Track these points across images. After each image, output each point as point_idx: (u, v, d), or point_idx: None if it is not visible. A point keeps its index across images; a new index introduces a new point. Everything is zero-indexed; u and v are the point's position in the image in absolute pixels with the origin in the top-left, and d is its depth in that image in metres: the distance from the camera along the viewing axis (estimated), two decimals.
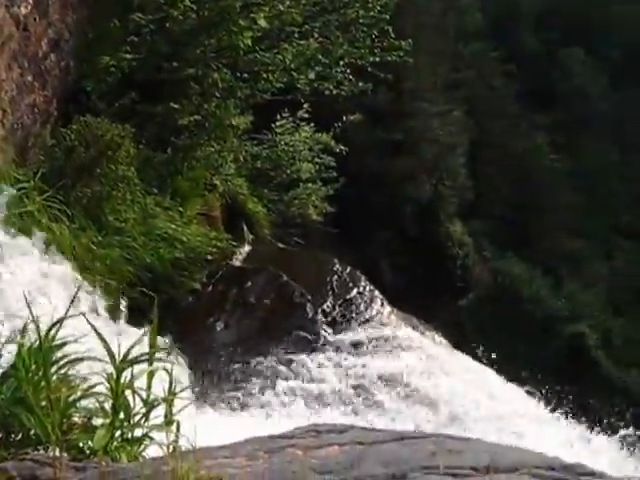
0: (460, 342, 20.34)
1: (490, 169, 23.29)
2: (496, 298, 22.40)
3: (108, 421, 2.59)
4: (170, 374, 2.68)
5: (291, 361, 8.95)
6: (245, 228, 11.70)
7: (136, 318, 8.05)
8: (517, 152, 24.33)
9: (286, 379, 8.67)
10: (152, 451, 2.58)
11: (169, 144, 10.25)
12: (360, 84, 12.14)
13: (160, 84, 10.15)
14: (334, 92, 11.87)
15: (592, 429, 10.68)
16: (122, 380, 2.64)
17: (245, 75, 11.05)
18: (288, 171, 12.71)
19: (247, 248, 11.25)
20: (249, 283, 10.07)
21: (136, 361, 2.68)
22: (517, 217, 23.70)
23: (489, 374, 10.24)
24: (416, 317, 17.83)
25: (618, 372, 22.50)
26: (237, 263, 10.65)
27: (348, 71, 11.93)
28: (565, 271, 24.81)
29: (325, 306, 9.74)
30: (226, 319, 9.51)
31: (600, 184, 27.56)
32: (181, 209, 10.02)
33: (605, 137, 29.81)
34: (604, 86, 30.67)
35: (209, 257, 9.80)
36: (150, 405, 2.57)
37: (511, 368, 21.14)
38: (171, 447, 2.42)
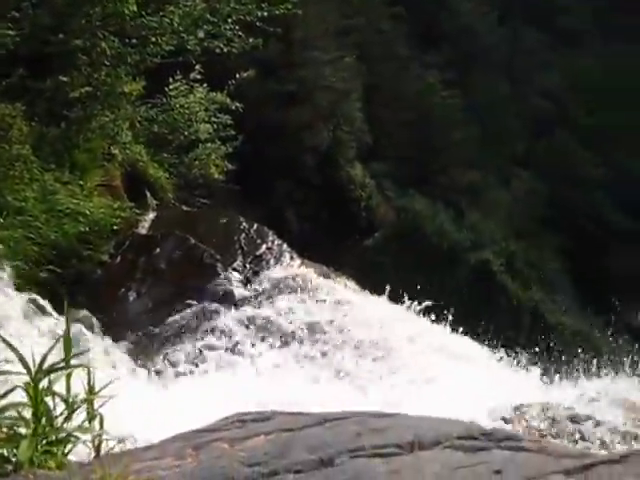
0: (371, 282, 21.10)
1: (385, 111, 23.67)
2: (401, 235, 22.98)
3: (31, 431, 2.62)
4: (88, 373, 2.85)
5: (208, 321, 9.14)
6: (148, 194, 11.69)
7: (48, 297, 8.11)
8: (410, 93, 24.76)
9: (202, 339, 8.89)
10: (82, 450, 2.74)
11: (62, 118, 10.17)
12: (250, 40, 12.22)
13: (48, 58, 10.03)
14: (225, 50, 11.92)
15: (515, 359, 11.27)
16: (40, 387, 2.67)
17: (133, 41, 10.97)
18: (186, 133, 12.70)
19: (152, 215, 11.23)
20: (157, 250, 10.14)
21: (53, 369, 2.76)
22: (415, 155, 24.24)
23: (409, 315, 10.60)
24: (326, 263, 18.26)
25: (523, 293, 23.55)
26: (143, 231, 10.65)
27: (237, 28, 11.98)
28: (465, 203, 25.57)
29: (235, 264, 9.92)
30: (137, 288, 9.59)
31: (493, 117, 28.42)
32: (81, 182, 9.95)
33: (495, 71, 30.67)
34: (492, 21, 31.42)
35: (114, 228, 9.86)
36: (71, 407, 2.71)
37: (422, 300, 22.10)
38: (97, 444, 2.60)
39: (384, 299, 10.71)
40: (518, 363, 10.46)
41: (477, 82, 29.25)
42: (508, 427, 8.06)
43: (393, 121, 23.83)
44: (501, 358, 11.02)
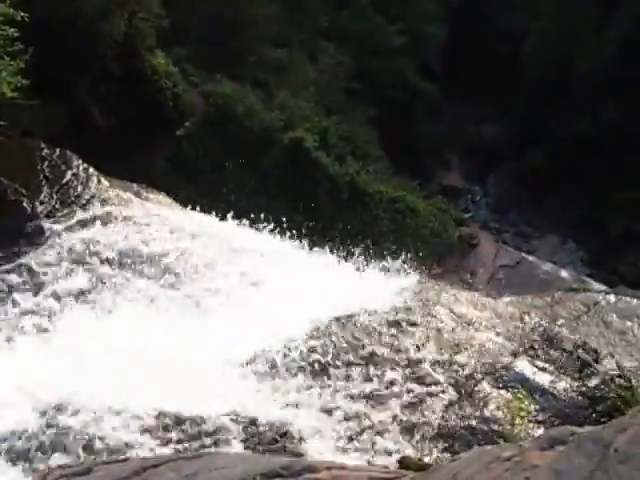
0: (185, 174, 20.64)
1: None
2: (212, 121, 22.46)
3: None
4: None
5: (20, 265, 8.59)
6: None
7: None
8: None
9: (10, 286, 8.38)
10: None
11: None
12: None
13: None
14: None
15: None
16: None
17: None
18: None
19: None
20: None
21: None
22: (218, 37, 23.30)
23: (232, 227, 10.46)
24: (137, 160, 17.60)
25: (339, 167, 23.91)
26: None
27: None
28: (274, 82, 25.25)
29: (42, 197, 9.30)
30: None
31: None
32: None
33: None
34: None
35: None
36: None
37: (239, 185, 21.91)
38: None
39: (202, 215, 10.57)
40: (337, 254, 10.71)
41: None
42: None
43: (192, 3, 22.78)
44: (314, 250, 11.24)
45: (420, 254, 20.22)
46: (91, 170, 10.04)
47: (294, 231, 11.91)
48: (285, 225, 12.08)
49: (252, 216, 12.39)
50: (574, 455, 2.82)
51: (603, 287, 23.77)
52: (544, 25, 33.20)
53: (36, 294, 8.39)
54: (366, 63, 29.14)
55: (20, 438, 6.58)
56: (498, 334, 8.52)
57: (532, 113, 32.54)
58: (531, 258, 25.24)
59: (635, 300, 10.16)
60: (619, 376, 8.04)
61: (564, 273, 24.54)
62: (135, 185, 10.75)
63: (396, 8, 32.03)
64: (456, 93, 32.92)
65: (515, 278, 23.36)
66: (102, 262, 8.89)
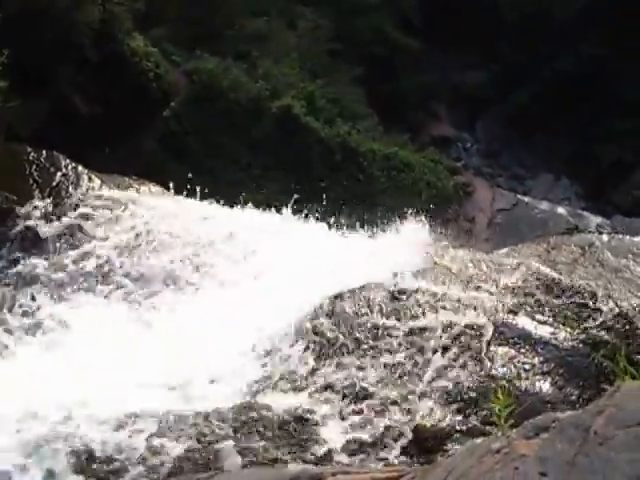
0: (176, 154, 20.82)
1: None
2: (197, 98, 22.56)
3: None
4: None
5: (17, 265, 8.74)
6: None
7: None
8: None
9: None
10: None
11: None
12: None
13: None
14: None
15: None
16: None
17: None
18: None
19: None
20: None
21: None
22: (195, 14, 23.38)
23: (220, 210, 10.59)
24: (125, 147, 17.74)
25: (329, 130, 24.01)
26: None
27: None
28: (256, 52, 25.27)
29: (35, 202, 9.40)
30: None
31: None
32: None
33: None
34: None
35: None
36: None
37: (231, 159, 22.10)
38: None
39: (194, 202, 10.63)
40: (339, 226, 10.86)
41: None
42: None
43: None
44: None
45: (419, 208, 20.56)
46: (80, 169, 10.15)
47: (292, 201, 12.05)
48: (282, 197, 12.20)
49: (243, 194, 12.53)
50: (557, 441, 2.90)
51: (600, 219, 24.10)
52: None
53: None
54: (345, 23, 29.11)
55: None
56: (498, 291, 8.66)
57: (515, 56, 32.56)
58: (527, 199, 25.48)
59: (627, 237, 10.32)
60: (618, 315, 8.21)
61: (561, 210, 24.80)
62: (126, 179, 10.85)
63: None
64: (438, 44, 32.89)
65: (513, 220, 23.63)
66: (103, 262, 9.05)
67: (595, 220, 24.55)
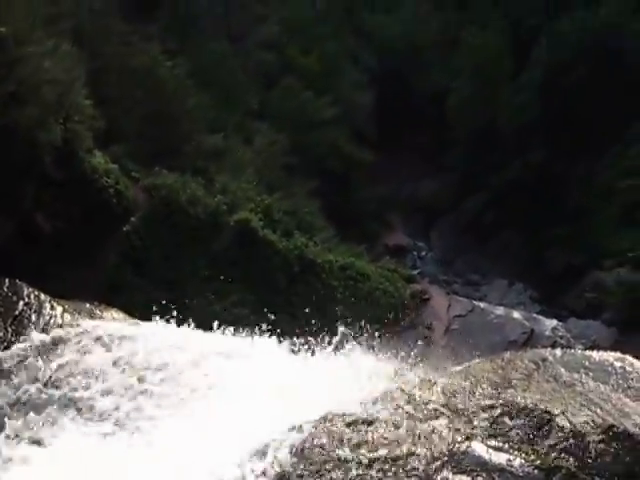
0: (137, 270, 20.93)
1: (114, 92, 23.14)
2: (157, 213, 22.76)
3: None
4: None
5: None
6: None
7: None
8: (135, 68, 24.38)
9: None
10: None
11: None
12: None
13: None
14: None
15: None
16: None
17: None
18: None
19: None
20: None
21: None
22: (154, 131, 24.03)
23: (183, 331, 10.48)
24: (87, 263, 17.77)
25: (287, 242, 24.38)
26: None
27: None
28: (213, 167, 25.85)
29: None
30: None
31: (221, 77, 28.82)
32: None
33: (214, 32, 31.00)
34: None
35: None
36: None
37: (191, 272, 22.25)
38: None
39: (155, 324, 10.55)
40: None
41: (198, 46, 29.47)
42: None
43: (125, 100, 23.43)
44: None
45: (376, 316, 20.86)
46: (42, 296, 10.15)
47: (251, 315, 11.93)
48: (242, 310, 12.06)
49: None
50: None
51: (555, 322, 24.60)
52: (461, 82, 34.87)
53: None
54: (301, 138, 30.08)
55: None
56: (453, 416, 8.57)
57: (465, 165, 33.89)
58: (482, 304, 25.95)
59: (579, 351, 10.51)
60: (572, 432, 8.23)
61: (516, 314, 25.25)
62: (88, 305, 10.84)
63: (323, 81, 33.28)
64: (391, 156, 34.14)
65: (470, 326, 24.01)
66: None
67: (550, 323, 25.02)
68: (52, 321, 9.83)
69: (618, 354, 9.94)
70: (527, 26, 37.60)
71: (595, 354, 9.95)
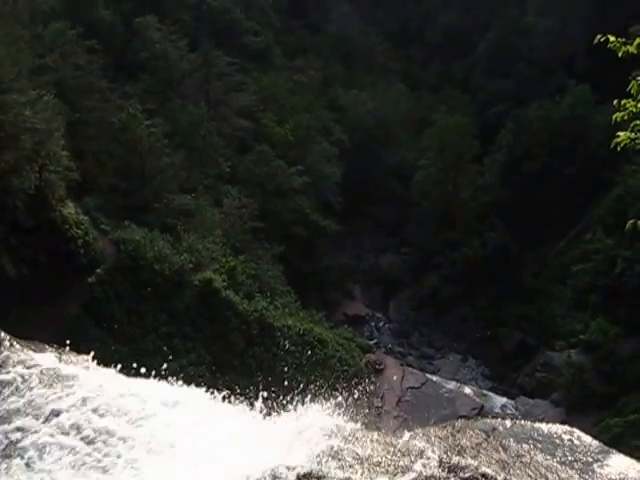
0: (97, 321, 21.08)
1: (91, 145, 23.74)
2: (123, 267, 22.93)
3: None
4: None
5: None
6: None
7: None
8: (113, 124, 25.00)
9: None
10: None
11: None
12: None
13: None
14: None
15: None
16: None
17: None
18: None
19: None
20: None
21: None
22: (127, 186, 24.53)
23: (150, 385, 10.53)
24: (50, 309, 17.91)
25: (248, 305, 24.67)
26: None
27: None
28: (182, 226, 26.24)
29: None
30: None
31: (196, 140, 29.56)
32: None
33: (193, 96, 31.94)
34: (183, 48, 32.67)
35: None
36: None
37: (152, 328, 22.41)
38: None
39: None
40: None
41: (177, 108, 30.29)
42: None
43: (100, 154, 23.98)
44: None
45: (330, 384, 21.11)
46: (2, 334, 10.21)
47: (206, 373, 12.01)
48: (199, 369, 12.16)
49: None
50: None
51: (504, 400, 25.10)
52: (428, 160, 36.06)
53: None
54: (269, 203, 30.79)
55: None
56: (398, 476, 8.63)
57: (426, 241, 34.82)
58: (435, 378, 26.44)
59: (529, 423, 10.79)
60: None
61: (467, 390, 25.75)
62: (47, 346, 10.86)
63: (294, 151, 34.18)
64: (355, 227, 34.98)
65: (422, 398, 24.43)
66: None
67: (500, 401, 25.53)
68: (10, 360, 9.83)
69: (566, 427, 10.17)
70: (495, 111, 39.31)
71: (544, 426, 10.18)
